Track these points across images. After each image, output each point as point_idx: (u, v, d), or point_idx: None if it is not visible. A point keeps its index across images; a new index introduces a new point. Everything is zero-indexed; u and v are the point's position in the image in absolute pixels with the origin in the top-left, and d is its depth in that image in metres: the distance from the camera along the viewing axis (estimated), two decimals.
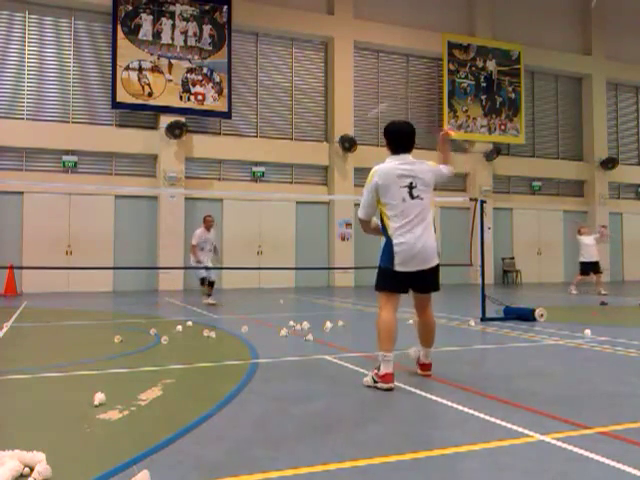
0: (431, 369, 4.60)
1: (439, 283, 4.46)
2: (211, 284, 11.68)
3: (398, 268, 4.22)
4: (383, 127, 4.62)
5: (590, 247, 15.13)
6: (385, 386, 4.09)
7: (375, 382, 4.16)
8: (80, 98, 16.84)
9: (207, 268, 11.50)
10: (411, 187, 4.24)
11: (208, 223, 11.80)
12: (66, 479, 2.54)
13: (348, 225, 18.87)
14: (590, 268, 15.06)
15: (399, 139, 4.40)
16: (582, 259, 15.21)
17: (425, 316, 4.52)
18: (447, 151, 4.62)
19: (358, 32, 19.40)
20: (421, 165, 4.37)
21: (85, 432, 3.20)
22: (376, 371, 4.20)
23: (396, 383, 4.36)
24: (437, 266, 4.35)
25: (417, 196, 4.25)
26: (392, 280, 4.28)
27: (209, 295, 11.62)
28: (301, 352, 5.85)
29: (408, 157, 4.37)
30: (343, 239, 18.82)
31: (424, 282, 4.36)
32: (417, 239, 4.19)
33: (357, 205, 19.10)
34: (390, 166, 4.31)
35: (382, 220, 4.34)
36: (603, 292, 14.26)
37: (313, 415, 3.53)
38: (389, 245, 4.25)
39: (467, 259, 9.54)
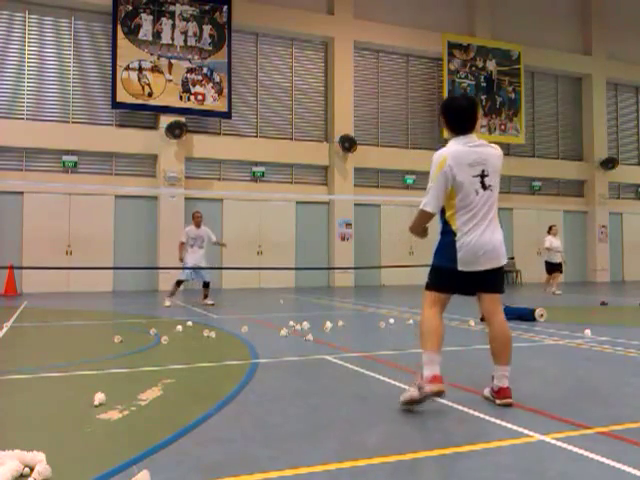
0: (511, 395, 3.68)
1: (504, 285, 3.95)
2: (206, 285, 11.49)
3: (462, 268, 3.67)
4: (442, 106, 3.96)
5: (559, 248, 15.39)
6: (436, 388, 3.47)
7: (421, 388, 3.51)
8: (80, 98, 16.84)
9: (199, 268, 11.33)
10: (483, 176, 3.67)
11: (197, 219, 11.45)
12: (66, 479, 2.54)
13: (348, 225, 18.86)
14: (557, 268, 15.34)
15: (461, 115, 3.75)
16: (553, 259, 15.30)
17: (496, 323, 3.82)
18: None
19: (358, 32, 19.40)
20: (490, 149, 3.79)
21: (85, 432, 3.20)
22: (419, 380, 3.57)
23: (395, 383, 4.35)
24: (502, 266, 3.85)
25: (489, 186, 3.69)
26: (449, 280, 3.75)
27: (206, 296, 11.50)
28: (301, 352, 5.85)
29: (474, 138, 3.75)
30: (343, 239, 18.82)
31: (490, 281, 3.80)
32: (485, 235, 3.66)
33: (358, 205, 18.93)
34: (460, 150, 3.67)
35: (444, 213, 3.76)
36: (558, 292, 14.85)
37: (313, 415, 3.53)
38: (452, 242, 3.68)
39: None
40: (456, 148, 3.69)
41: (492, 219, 3.74)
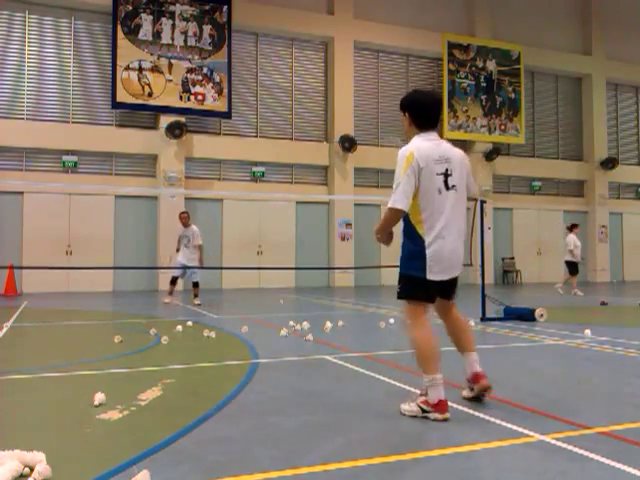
0: (486, 378, 3.68)
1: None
2: (195, 284, 11.61)
3: (432, 277, 3.51)
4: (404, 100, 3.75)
5: (579, 247, 15.10)
6: (441, 417, 3.36)
7: (425, 412, 3.42)
8: (80, 98, 16.84)
9: (198, 268, 11.39)
10: (447, 175, 3.53)
11: (182, 219, 11.64)
12: (66, 479, 2.54)
13: (348, 225, 18.86)
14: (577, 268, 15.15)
15: (427, 110, 3.63)
16: (573, 259, 14.96)
17: (452, 316, 3.79)
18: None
19: (358, 32, 19.40)
20: (454, 148, 3.69)
21: (85, 432, 3.20)
22: (424, 398, 3.46)
23: (395, 383, 4.35)
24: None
25: (453, 186, 3.55)
26: (424, 289, 3.56)
27: (196, 296, 11.56)
28: (301, 352, 5.85)
29: (436, 135, 3.65)
30: (343, 239, 18.82)
31: (451, 289, 3.73)
32: (453, 243, 3.55)
33: (358, 205, 18.89)
34: (426, 145, 3.54)
35: (408, 216, 3.55)
36: (561, 291, 14.66)
37: (313, 415, 3.53)
38: (420, 248, 3.51)
39: (467, 259, 9.53)
40: (421, 143, 3.55)
41: (460, 226, 3.62)
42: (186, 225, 11.61)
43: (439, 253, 3.50)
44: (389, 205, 3.48)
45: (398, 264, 3.70)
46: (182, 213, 11.96)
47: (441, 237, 3.50)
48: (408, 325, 3.63)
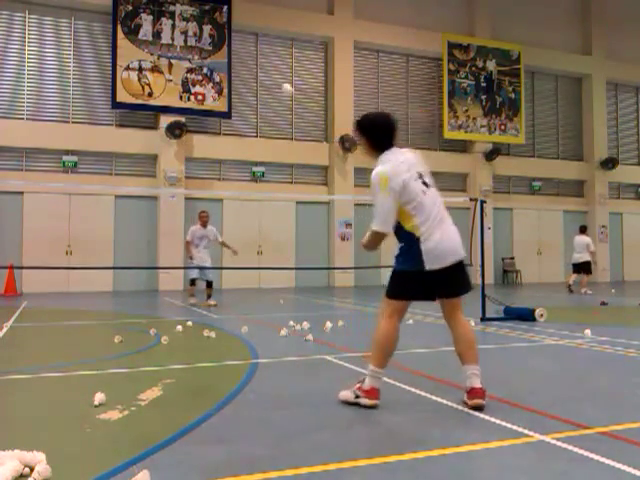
0: (484, 396, 3.60)
1: (470, 282, 3.94)
2: (209, 284, 11.53)
3: (430, 267, 3.63)
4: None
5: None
6: (369, 402, 3.61)
7: (357, 397, 3.67)
8: (80, 98, 16.84)
9: (203, 268, 11.34)
10: (421, 176, 3.76)
11: (203, 219, 11.47)
12: (66, 479, 2.54)
13: (348, 225, 18.86)
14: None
15: (390, 131, 3.86)
16: (588, 259, 15.23)
17: (458, 325, 3.80)
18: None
19: (358, 32, 19.39)
20: (409, 153, 3.93)
21: (85, 432, 3.20)
22: (359, 385, 3.72)
23: (395, 383, 4.35)
24: (463, 263, 3.86)
25: (430, 185, 3.79)
26: (414, 284, 3.72)
27: (209, 296, 11.46)
28: (301, 352, 5.85)
29: (395, 148, 3.88)
30: (343, 239, 18.82)
31: (455, 280, 3.79)
32: (445, 232, 3.71)
33: (358, 205, 18.88)
34: (393, 161, 3.75)
35: (402, 224, 3.72)
36: (589, 292, 14.73)
37: (313, 415, 3.53)
38: (416, 246, 3.65)
39: (467, 259, 9.53)
40: (390, 163, 3.74)
41: (445, 216, 3.78)
42: (206, 225, 11.50)
43: (435, 245, 3.64)
44: (373, 228, 3.70)
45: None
46: (204, 212, 11.66)
47: (434, 232, 3.66)
48: (381, 315, 3.80)
